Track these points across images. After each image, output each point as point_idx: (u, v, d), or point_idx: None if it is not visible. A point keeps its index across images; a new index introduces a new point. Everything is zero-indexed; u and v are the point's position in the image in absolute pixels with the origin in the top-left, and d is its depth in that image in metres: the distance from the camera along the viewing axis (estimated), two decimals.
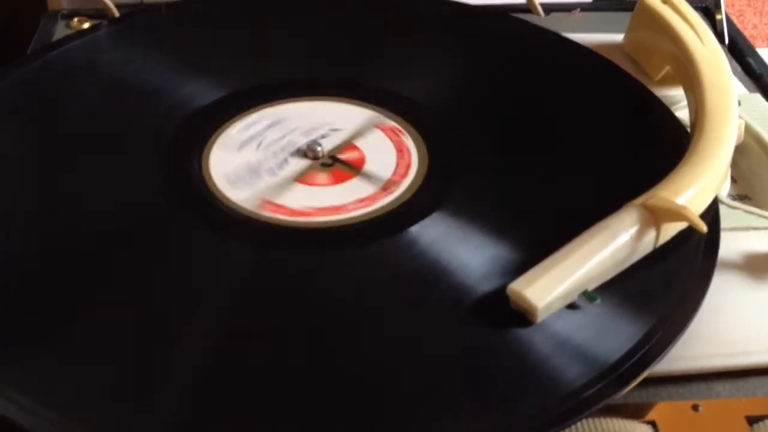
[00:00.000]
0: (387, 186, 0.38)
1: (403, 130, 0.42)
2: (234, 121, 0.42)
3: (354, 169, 0.40)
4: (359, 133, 0.42)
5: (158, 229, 0.36)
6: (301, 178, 0.39)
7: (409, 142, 0.41)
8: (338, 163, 0.40)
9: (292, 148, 0.41)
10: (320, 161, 0.40)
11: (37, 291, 0.33)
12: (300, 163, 0.40)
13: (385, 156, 0.40)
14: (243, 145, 0.41)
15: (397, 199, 0.38)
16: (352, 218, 0.37)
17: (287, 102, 0.43)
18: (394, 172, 0.39)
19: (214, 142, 0.41)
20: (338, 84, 0.44)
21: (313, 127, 0.42)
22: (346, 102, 0.44)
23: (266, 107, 0.43)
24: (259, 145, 0.41)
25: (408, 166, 0.40)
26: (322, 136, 0.41)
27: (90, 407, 0.29)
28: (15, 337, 0.31)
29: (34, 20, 0.51)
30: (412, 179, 0.39)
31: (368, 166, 0.40)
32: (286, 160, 0.40)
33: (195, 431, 0.29)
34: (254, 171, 0.39)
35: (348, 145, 0.41)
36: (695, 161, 0.36)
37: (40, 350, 0.31)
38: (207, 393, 0.30)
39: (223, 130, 0.41)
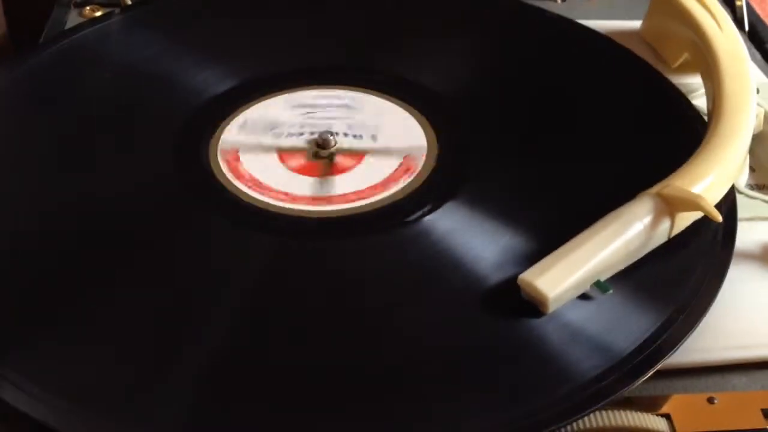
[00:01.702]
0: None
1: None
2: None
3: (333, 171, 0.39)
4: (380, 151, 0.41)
5: (172, 214, 0.36)
6: (283, 153, 0.39)
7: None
8: (327, 161, 0.39)
9: (315, 129, 0.40)
10: (315, 150, 0.40)
11: (48, 277, 0.33)
12: (298, 142, 0.40)
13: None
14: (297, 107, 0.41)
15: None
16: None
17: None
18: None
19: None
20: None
21: (361, 125, 0.41)
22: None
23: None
24: (307, 113, 0.41)
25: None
26: (354, 135, 0.41)
27: (105, 394, 0.29)
28: (33, 320, 0.31)
29: (46, 9, 0.51)
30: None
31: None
32: (301, 134, 0.40)
33: (211, 417, 0.29)
34: (272, 126, 0.39)
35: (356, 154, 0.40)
36: (711, 150, 0.36)
37: (53, 335, 0.31)
38: (223, 380, 0.30)
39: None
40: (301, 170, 0.39)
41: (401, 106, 0.42)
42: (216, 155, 0.39)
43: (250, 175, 0.38)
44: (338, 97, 0.43)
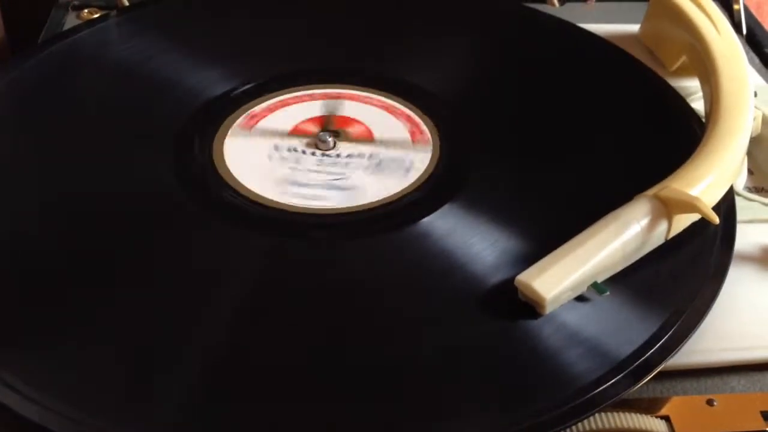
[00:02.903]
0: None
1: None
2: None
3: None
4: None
5: (172, 214, 0.36)
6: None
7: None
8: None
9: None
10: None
11: (47, 277, 0.33)
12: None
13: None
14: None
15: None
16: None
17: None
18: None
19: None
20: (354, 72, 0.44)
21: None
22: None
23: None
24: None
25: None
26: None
27: (104, 394, 0.29)
28: (33, 320, 0.31)
29: (44, 12, 0.51)
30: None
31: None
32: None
33: (210, 417, 0.29)
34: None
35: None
36: (709, 152, 0.36)
37: (52, 336, 0.31)
38: (221, 380, 0.30)
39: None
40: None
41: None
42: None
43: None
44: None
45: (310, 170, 0.39)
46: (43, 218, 0.36)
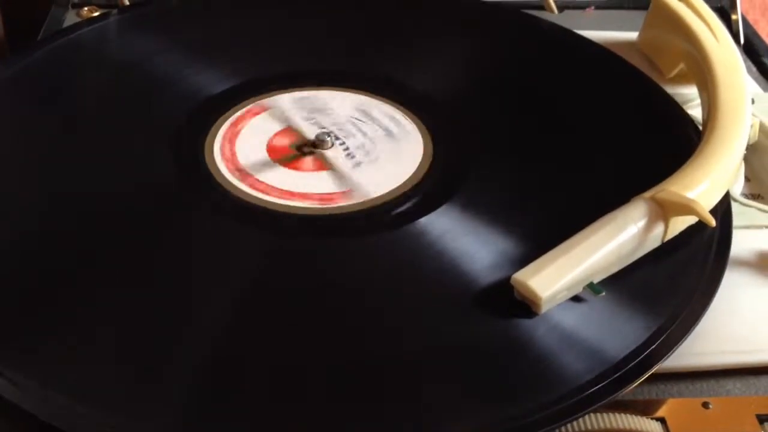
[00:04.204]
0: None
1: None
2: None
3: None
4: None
5: (171, 213, 0.36)
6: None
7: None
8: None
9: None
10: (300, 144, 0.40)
11: (47, 276, 0.33)
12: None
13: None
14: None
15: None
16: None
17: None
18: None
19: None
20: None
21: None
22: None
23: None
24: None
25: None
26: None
27: (105, 392, 0.29)
28: (33, 319, 0.31)
29: (44, 11, 0.51)
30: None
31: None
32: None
33: (209, 416, 0.28)
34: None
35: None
36: (706, 156, 0.36)
37: (53, 334, 0.31)
38: (221, 379, 0.29)
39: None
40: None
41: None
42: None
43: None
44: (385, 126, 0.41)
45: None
46: (41, 216, 0.36)
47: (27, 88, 0.42)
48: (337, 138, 0.40)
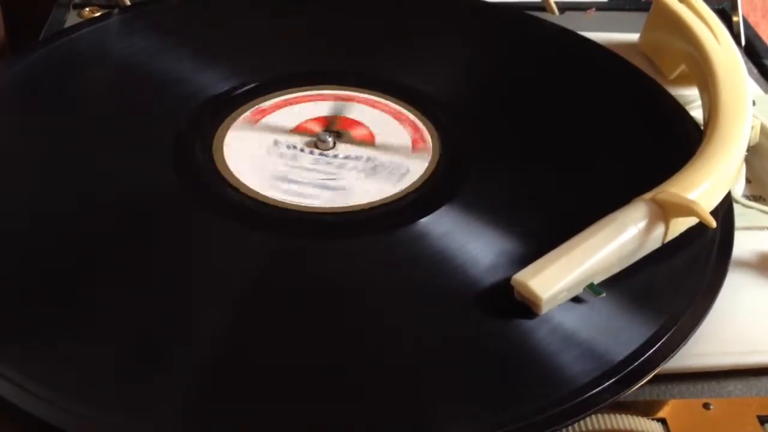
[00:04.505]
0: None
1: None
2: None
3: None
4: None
5: (171, 213, 0.36)
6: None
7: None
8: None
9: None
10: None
11: (47, 276, 0.33)
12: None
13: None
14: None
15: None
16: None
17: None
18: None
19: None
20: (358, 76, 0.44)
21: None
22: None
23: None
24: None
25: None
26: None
27: (104, 392, 0.29)
28: (33, 319, 0.31)
29: (45, 11, 0.51)
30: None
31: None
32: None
33: (209, 415, 0.28)
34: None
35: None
36: (707, 157, 0.36)
37: (52, 333, 0.31)
38: (221, 379, 0.29)
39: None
40: None
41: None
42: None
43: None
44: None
45: (304, 168, 0.38)
46: (41, 216, 0.35)
47: (28, 88, 0.42)
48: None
